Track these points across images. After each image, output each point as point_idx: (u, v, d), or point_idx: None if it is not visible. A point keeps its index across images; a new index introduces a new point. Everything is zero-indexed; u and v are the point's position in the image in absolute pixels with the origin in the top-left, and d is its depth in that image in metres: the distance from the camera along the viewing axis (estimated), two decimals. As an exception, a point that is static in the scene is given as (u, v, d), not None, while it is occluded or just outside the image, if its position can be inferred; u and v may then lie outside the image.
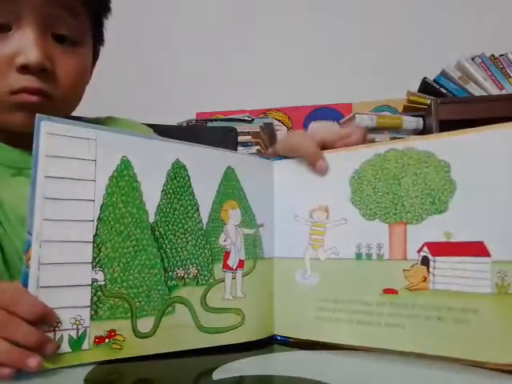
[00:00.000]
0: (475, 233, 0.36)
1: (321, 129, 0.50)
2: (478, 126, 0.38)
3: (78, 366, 0.33)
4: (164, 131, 0.65)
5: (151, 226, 0.38)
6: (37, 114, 0.33)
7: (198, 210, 0.41)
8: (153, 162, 0.39)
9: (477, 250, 0.36)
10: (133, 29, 1.90)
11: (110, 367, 0.35)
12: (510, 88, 1.50)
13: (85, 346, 0.33)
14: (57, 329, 0.33)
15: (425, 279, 0.37)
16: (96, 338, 0.34)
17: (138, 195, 0.38)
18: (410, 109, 1.60)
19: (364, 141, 0.45)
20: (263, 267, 0.45)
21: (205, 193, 0.41)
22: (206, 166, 0.42)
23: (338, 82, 1.83)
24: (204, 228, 0.41)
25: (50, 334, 0.32)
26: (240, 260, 0.43)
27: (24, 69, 0.47)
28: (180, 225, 0.39)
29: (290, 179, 0.46)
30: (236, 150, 1.15)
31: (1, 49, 0.47)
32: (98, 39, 0.59)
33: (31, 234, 0.33)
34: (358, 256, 0.41)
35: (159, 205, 0.39)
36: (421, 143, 0.40)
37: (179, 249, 0.39)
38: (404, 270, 0.38)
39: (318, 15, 1.90)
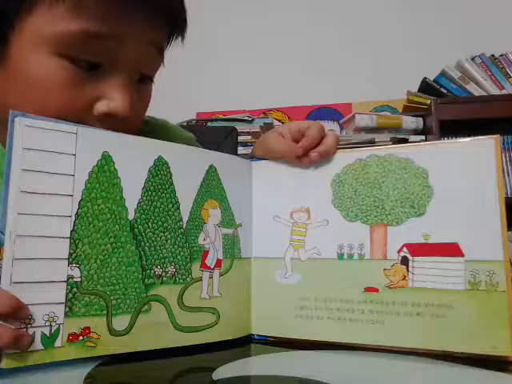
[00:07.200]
0: (450, 235, 0.39)
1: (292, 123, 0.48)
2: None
3: (50, 364, 0.33)
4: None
5: (130, 223, 0.37)
6: (10, 111, 0.33)
7: (178, 208, 0.40)
8: (135, 158, 0.38)
9: (452, 250, 0.38)
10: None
11: (111, 367, 0.35)
12: (509, 88, 1.49)
13: (57, 343, 0.33)
14: (29, 326, 0.32)
15: (404, 278, 0.40)
16: (70, 335, 0.33)
17: (118, 191, 0.37)
18: (410, 109, 1.59)
19: (336, 144, 0.45)
20: (240, 267, 0.44)
21: (186, 191, 0.41)
22: (188, 163, 0.41)
23: (338, 82, 1.83)
24: (184, 227, 0.40)
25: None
26: (218, 260, 0.42)
27: (105, 116, 0.41)
28: (160, 223, 0.39)
29: (270, 180, 0.46)
30: (236, 150, 1.14)
31: (83, 90, 0.40)
32: None
33: (3, 233, 0.32)
34: (340, 256, 0.42)
35: (139, 202, 0.38)
36: (401, 151, 0.42)
37: (158, 247, 0.39)
38: (384, 269, 0.40)
39: (319, 15, 1.89)
